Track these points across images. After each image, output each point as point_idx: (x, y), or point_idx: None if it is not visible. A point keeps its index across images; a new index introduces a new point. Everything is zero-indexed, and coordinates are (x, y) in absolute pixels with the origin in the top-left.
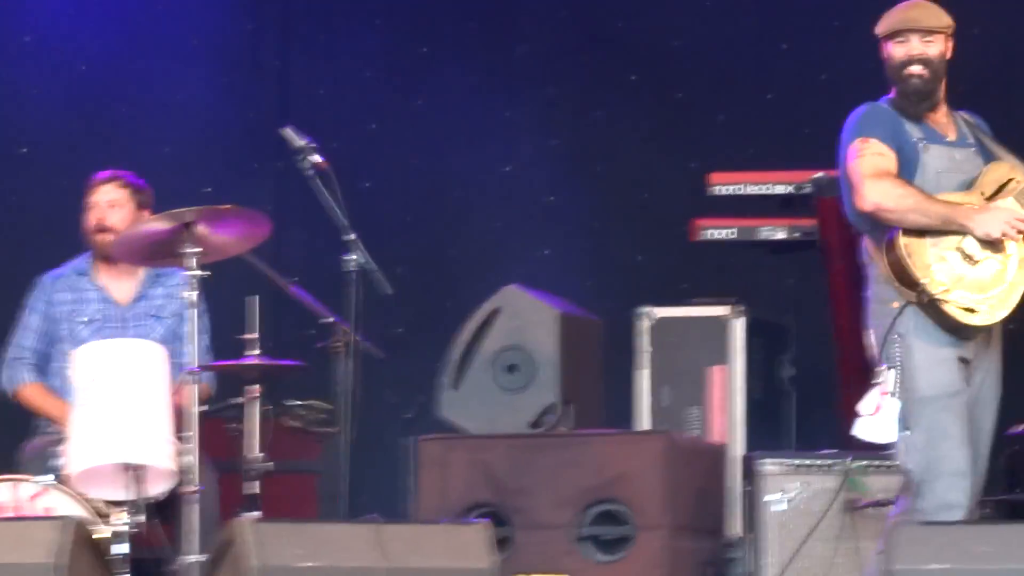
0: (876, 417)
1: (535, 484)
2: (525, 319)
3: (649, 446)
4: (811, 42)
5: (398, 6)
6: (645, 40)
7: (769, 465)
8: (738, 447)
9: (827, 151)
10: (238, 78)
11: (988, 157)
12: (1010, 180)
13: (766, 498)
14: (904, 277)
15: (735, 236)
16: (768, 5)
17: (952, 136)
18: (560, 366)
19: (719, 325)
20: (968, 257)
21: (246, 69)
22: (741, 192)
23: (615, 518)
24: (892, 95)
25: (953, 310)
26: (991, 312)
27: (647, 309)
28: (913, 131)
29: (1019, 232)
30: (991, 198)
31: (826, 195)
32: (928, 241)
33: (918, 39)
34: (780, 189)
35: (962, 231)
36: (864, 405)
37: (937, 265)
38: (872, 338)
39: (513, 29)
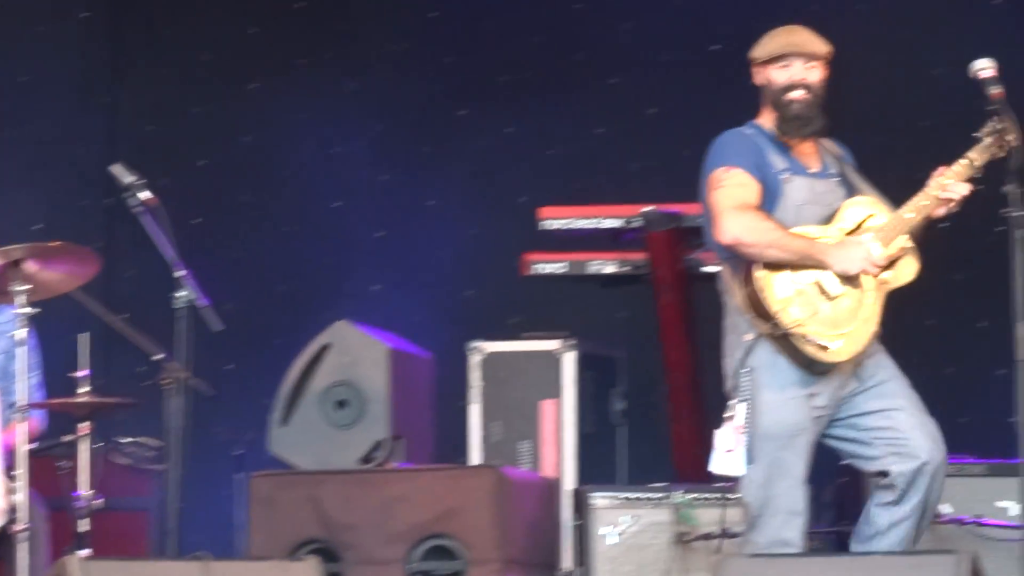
0: (730, 452)
1: (366, 520)
2: (355, 355)
3: (480, 481)
4: (640, 76)
5: (227, 42)
6: (475, 74)
7: (600, 499)
8: (570, 481)
9: (657, 185)
10: (67, 115)
11: (850, 189)
12: (870, 216)
13: (597, 531)
14: (759, 309)
15: (565, 270)
16: (596, 40)
17: (815, 167)
18: (390, 401)
19: (550, 359)
20: (825, 292)
21: (75, 106)
22: (571, 226)
23: (446, 553)
24: (758, 120)
25: (805, 345)
26: (844, 348)
27: (478, 344)
28: (776, 161)
29: (878, 268)
30: (851, 232)
31: (656, 229)
32: (785, 274)
33: (801, 64)
34: (610, 223)
35: (820, 266)
36: (719, 439)
37: (793, 299)
38: (727, 369)
39: (343, 64)
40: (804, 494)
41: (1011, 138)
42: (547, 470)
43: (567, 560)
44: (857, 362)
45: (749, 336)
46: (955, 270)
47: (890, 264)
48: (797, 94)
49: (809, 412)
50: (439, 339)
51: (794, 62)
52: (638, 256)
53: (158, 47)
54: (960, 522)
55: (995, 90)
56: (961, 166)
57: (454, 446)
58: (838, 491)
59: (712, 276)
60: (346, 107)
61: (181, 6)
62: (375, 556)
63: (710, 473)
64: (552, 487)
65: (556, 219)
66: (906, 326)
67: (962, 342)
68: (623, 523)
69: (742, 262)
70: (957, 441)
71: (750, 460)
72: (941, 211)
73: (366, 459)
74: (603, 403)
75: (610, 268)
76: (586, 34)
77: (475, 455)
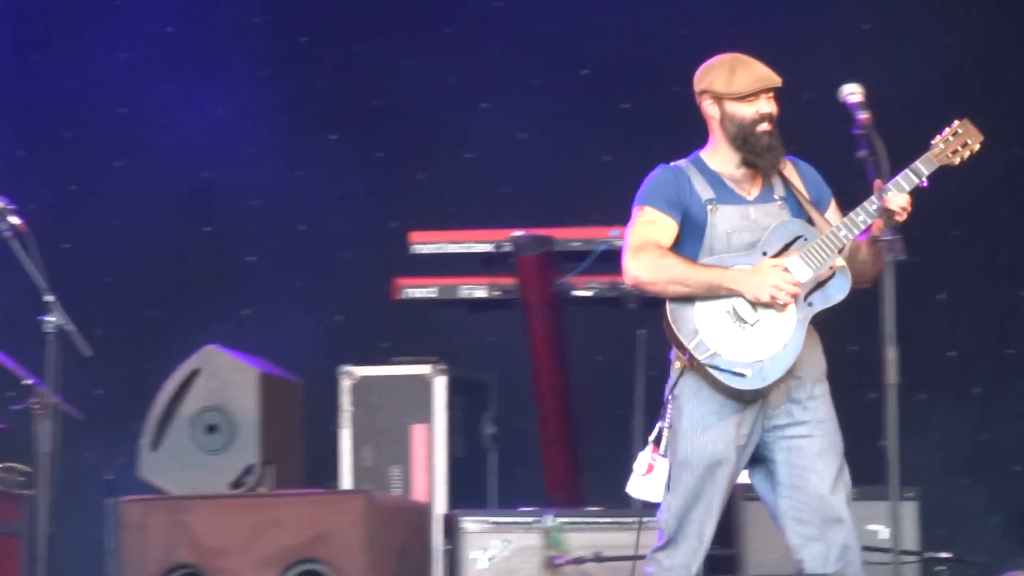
0: (648, 476)
1: (236, 544)
2: (225, 379)
3: (351, 505)
4: (510, 101)
5: (96, 67)
6: (345, 99)
7: (471, 523)
8: (440, 505)
9: (526, 210)
10: None
11: (798, 211)
12: (797, 237)
13: (468, 556)
14: (676, 342)
15: (436, 295)
16: (467, 64)
17: (754, 194)
18: (260, 426)
19: (421, 383)
20: (740, 319)
21: None
22: (441, 251)
23: None
24: (703, 152)
25: (720, 375)
26: (764, 374)
27: (348, 368)
28: (704, 191)
29: (790, 295)
30: (777, 255)
31: (526, 254)
32: (697, 305)
33: (765, 97)
34: (480, 248)
35: (732, 294)
36: (637, 463)
37: (706, 329)
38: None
39: (214, 89)
40: (712, 526)
41: (970, 141)
42: (418, 494)
43: None
44: (787, 390)
45: (678, 364)
46: None
47: (818, 285)
48: (765, 127)
49: (732, 442)
50: (310, 364)
51: (760, 96)
52: (508, 280)
53: (26, 71)
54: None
55: (863, 114)
56: (903, 177)
57: (325, 471)
58: None
59: (582, 300)
60: (217, 131)
61: (53, 30)
62: None
63: (581, 497)
64: (423, 511)
65: (426, 244)
66: None
67: (832, 365)
68: (494, 547)
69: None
70: None
71: (668, 487)
72: (883, 223)
73: (236, 484)
74: (474, 427)
75: (480, 292)
76: (457, 59)
77: (346, 480)
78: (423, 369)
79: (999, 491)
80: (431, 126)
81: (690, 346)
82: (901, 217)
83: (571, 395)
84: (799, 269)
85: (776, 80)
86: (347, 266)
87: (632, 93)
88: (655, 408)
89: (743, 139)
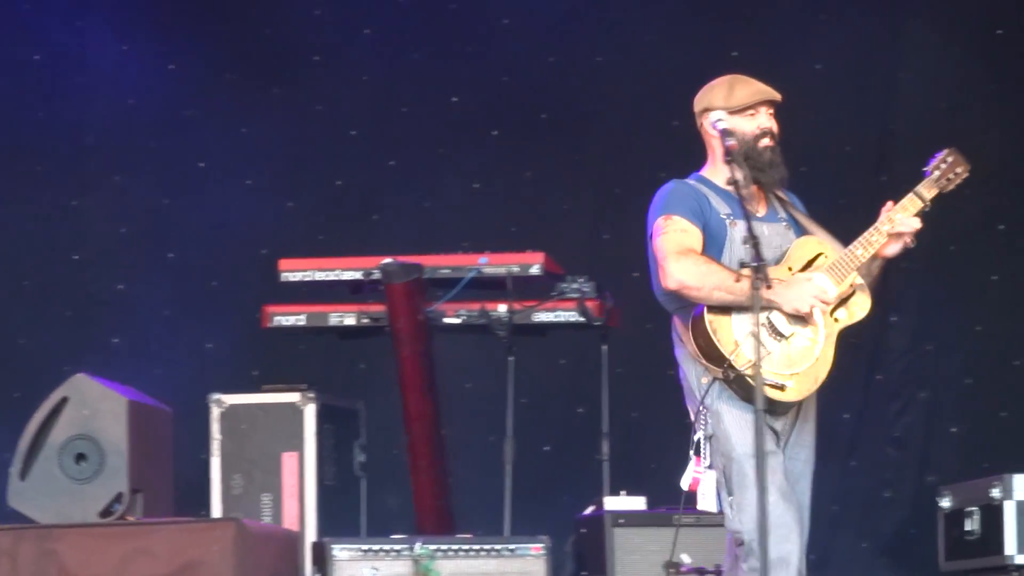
0: (698, 491)
1: (106, 573)
2: (94, 408)
3: (220, 533)
4: (380, 128)
5: None
6: (214, 126)
7: (341, 551)
8: (311, 533)
9: (395, 237)
10: None
11: (800, 232)
12: (819, 255)
13: None
14: (711, 354)
15: (305, 322)
16: (336, 92)
17: (762, 212)
18: (129, 454)
19: (291, 411)
20: (777, 332)
21: None
22: (311, 279)
23: None
24: (702, 172)
25: (761, 386)
26: (799, 388)
27: (218, 396)
28: (720, 206)
29: (827, 305)
30: (801, 271)
31: (395, 281)
32: (735, 317)
33: (765, 111)
34: (349, 275)
35: (769, 306)
36: (683, 480)
37: (744, 341)
38: (691, 416)
39: (81, 118)
40: (792, 508)
41: (959, 171)
42: (288, 522)
43: None
44: (796, 411)
45: (705, 379)
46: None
47: (842, 302)
48: (767, 142)
49: (772, 437)
50: (179, 392)
51: (760, 110)
52: (377, 308)
53: None
54: (701, 571)
55: (731, 141)
56: (909, 200)
57: (195, 499)
58: (578, 542)
59: (452, 328)
60: (84, 160)
61: None
62: None
63: (451, 524)
64: (293, 539)
65: (296, 271)
66: (650, 376)
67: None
68: (364, 575)
69: (691, 309)
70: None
71: (729, 491)
72: (895, 248)
73: (106, 512)
74: (344, 455)
75: (350, 320)
76: (326, 86)
77: (216, 508)
78: (293, 397)
79: (869, 517)
80: (300, 154)
81: (731, 357)
82: (910, 239)
83: (441, 422)
84: (826, 284)
85: (775, 95)
86: (216, 294)
87: (501, 120)
88: (524, 434)
89: (745, 155)
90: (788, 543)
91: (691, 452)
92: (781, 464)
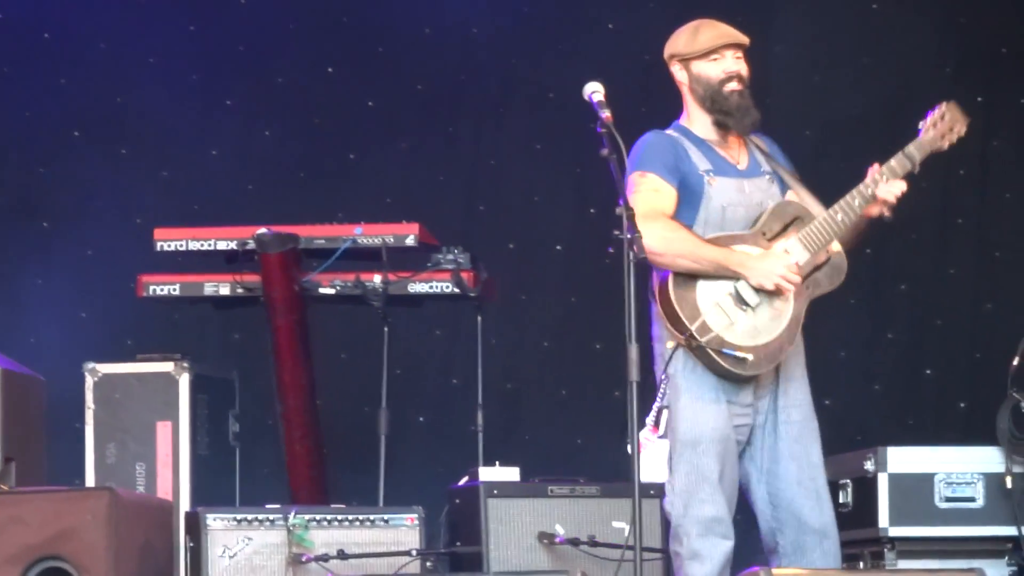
0: (652, 457)
1: None
2: None
3: (94, 502)
4: (253, 99)
5: None
6: (88, 97)
7: (215, 520)
8: (185, 502)
9: (270, 207)
10: None
11: (782, 186)
12: (795, 219)
13: (212, 553)
14: (674, 321)
15: (180, 292)
16: (211, 62)
17: (743, 164)
18: (2, 423)
19: (165, 381)
20: (743, 302)
21: None
22: (186, 248)
23: (60, 575)
24: (681, 121)
25: (722, 358)
26: (761, 361)
27: (92, 365)
28: (700, 161)
29: (793, 284)
30: (775, 237)
31: (270, 251)
32: (701, 284)
33: (732, 55)
34: (223, 245)
35: (737, 276)
36: (630, 445)
37: (709, 310)
38: (655, 375)
39: None
40: (723, 502)
41: (957, 128)
42: (162, 492)
43: None
44: (775, 374)
45: (671, 344)
46: (570, 292)
47: (816, 269)
48: (734, 86)
49: (729, 420)
50: (53, 361)
51: (725, 53)
52: (253, 278)
53: None
54: (575, 542)
55: (605, 113)
56: (896, 161)
57: (69, 468)
58: (451, 512)
59: (327, 298)
60: None
61: None
62: None
63: (326, 495)
64: (167, 509)
65: (171, 241)
66: (525, 347)
67: (578, 363)
68: (238, 544)
69: (660, 270)
70: (574, 462)
71: (671, 468)
72: (878, 211)
73: None
74: (219, 425)
75: (224, 290)
76: (201, 56)
77: (90, 477)
78: (167, 367)
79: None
80: (175, 123)
81: (693, 327)
82: (887, 209)
83: (316, 393)
84: (797, 252)
85: (741, 38)
86: (91, 263)
87: (377, 91)
88: (398, 405)
89: (711, 99)
90: (709, 538)
91: (647, 419)
92: (730, 453)
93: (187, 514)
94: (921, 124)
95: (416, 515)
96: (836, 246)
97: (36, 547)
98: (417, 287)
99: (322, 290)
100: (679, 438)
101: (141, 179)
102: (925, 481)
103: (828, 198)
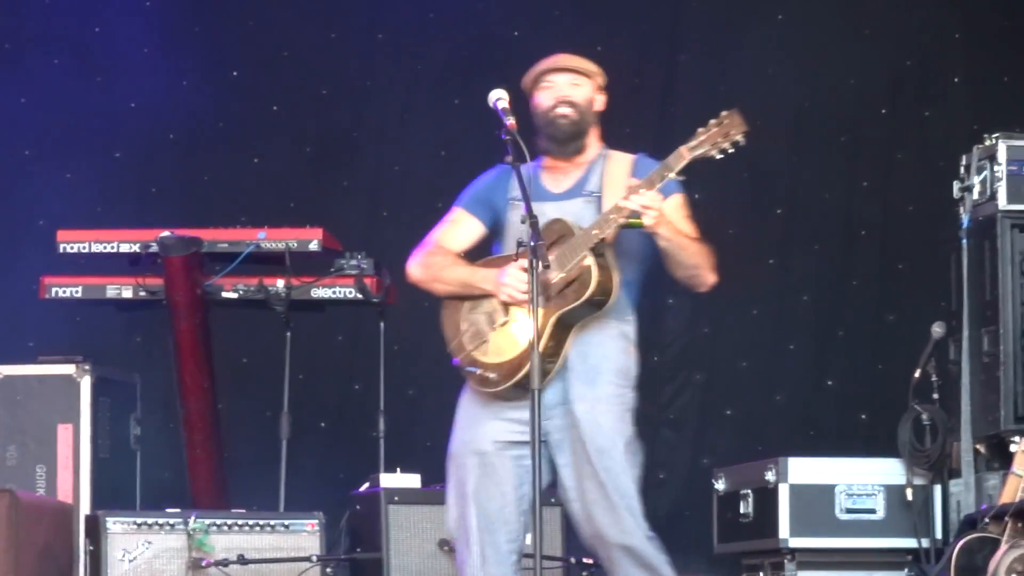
0: None
1: None
2: None
3: None
4: (158, 100)
5: None
6: None
7: (115, 523)
8: (85, 505)
9: (174, 210)
10: None
11: (599, 209)
12: (560, 236)
13: (112, 556)
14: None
15: (82, 294)
16: (116, 63)
17: (562, 188)
18: None
19: (67, 383)
20: (492, 320)
21: None
22: (89, 250)
23: None
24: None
25: (469, 377)
26: (504, 378)
27: None
28: (513, 189)
29: (522, 292)
30: (523, 255)
31: (173, 254)
32: (465, 305)
33: (565, 81)
34: (126, 248)
35: (485, 294)
36: None
37: (466, 330)
38: None
39: None
40: (479, 515)
41: (733, 135)
42: (63, 494)
43: None
44: (563, 390)
45: None
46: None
47: (568, 284)
48: (562, 110)
49: (492, 436)
50: None
51: (556, 80)
52: (155, 281)
53: None
54: None
55: (509, 120)
56: (655, 173)
57: None
58: (352, 518)
59: (229, 302)
60: None
61: None
62: None
63: (226, 499)
64: (67, 511)
65: (74, 242)
66: (427, 354)
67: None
68: (137, 548)
69: None
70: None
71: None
72: (651, 223)
73: None
74: (120, 428)
75: (127, 292)
76: (106, 56)
77: None
78: (69, 369)
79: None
80: (78, 124)
81: (450, 347)
82: (648, 217)
83: (217, 397)
84: (553, 268)
85: (567, 63)
86: None
87: (281, 95)
88: (300, 410)
89: (544, 126)
90: (471, 551)
91: None
92: (491, 466)
93: (87, 517)
94: (701, 128)
95: (317, 521)
96: (588, 260)
97: None
98: (320, 292)
99: (225, 294)
100: (449, 452)
101: (44, 180)
102: (826, 492)
103: (735, 208)
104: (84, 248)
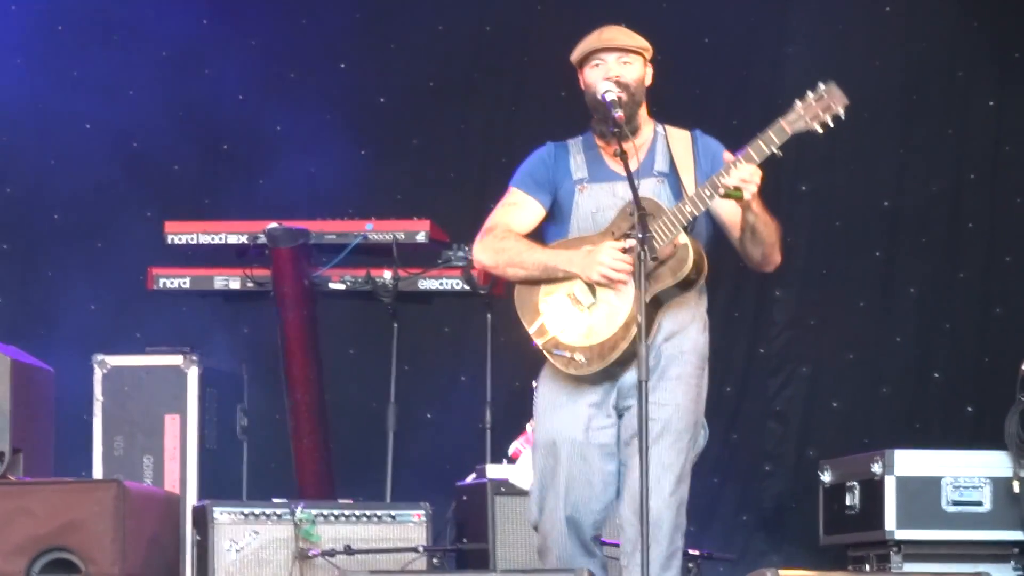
0: (516, 461)
1: None
2: None
3: (101, 495)
4: (265, 93)
5: None
6: (100, 88)
7: (221, 514)
8: (192, 496)
9: (281, 202)
10: None
11: (675, 185)
12: (651, 215)
13: (219, 547)
14: (522, 325)
15: (190, 285)
16: (224, 56)
17: (632, 167)
18: (11, 414)
19: (174, 374)
20: (578, 302)
21: None
22: (196, 242)
23: (67, 566)
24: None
25: (557, 360)
26: (594, 360)
27: (101, 357)
28: (577, 170)
29: (622, 272)
30: (622, 237)
31: (280, 246)
32: (541, 288)
33: (615, 60)
34: (234, 239)
35: (568, 277)
36: (511, 448)
37: (548, 313)
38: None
39: None
40: (566, 506)
41: (834, 108)
42: (170, 485)
43: (188, 575)
44: (629, 367)
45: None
46: None
47: (661, 263)
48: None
49: (579, 422)
50: (63, 352)
51: (605, 58)
52: (263, 272)
53: None
54: None
55: (618, 113)
56: (753, 147)
57: (77, 460)
58: (459, 509)
59: (336, 293)
60: None
61: None
62: None
63: (332, 490)
64: (174, 502)
65: (181, 234)
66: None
67: None
68: (245, 539)
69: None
70: None
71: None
72: (749, 197)
73: None
74: (227, 418)
75: (234, 284)
76: (213, 50)
77: (97, 469)
78: (176, 359)
79: (749, 490)
80: (188, 116)
81: (531, 331)
82: (746, 191)
83: (324, 388)
84: (613, 253)
85: (618, 41)
86: (101, 255)
87: (388, 87)
88: (407, 401)
89: (593, 108)
90: (557, 548)
91: (528, 425)
92: (580, 456)
93: (194, 508)
94: (799, 101)
95: (423, 511)
96: (683, 239)
97: (43, 538)
98: (427, 284)
99: (332, 285)
100: (535, 444)
101: (152, 172)
102: (932, 484)
103: (841, 200)
104: (192, 239)
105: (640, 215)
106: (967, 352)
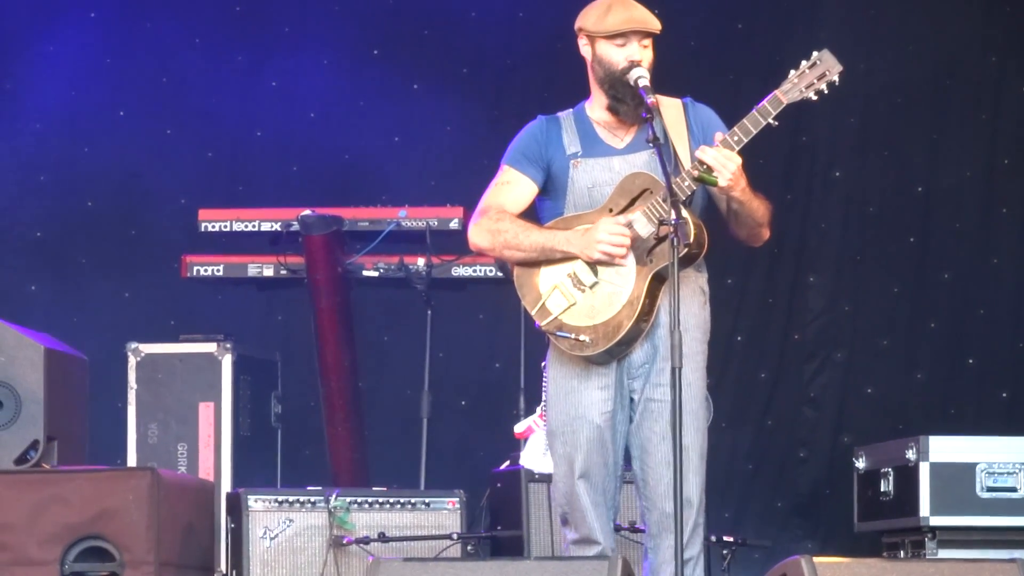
0: (528, 445)
1: (20, 520)
2: (10, 355)
3: (136, 482)
4: (298, 80)
5: None
6: (133, 75)
7: (256, 501)
8: (226, 483)
9: (315, 189)
10: None
11: (670, 159)
12: (644, 191)
13: (253, 534)
14: (525, 306)
15: (223, 273)
16: (256, 43)
17: (625, 143)
18: (45, 402)
19: (208, 361)
20: (580, 282)
21: None
22: (230, 229)
23: (102, 554)
24: (587, 101)
25: (561, 341)
26: (600, 340)
27: (135, 345)
28: (571, 145)
29: (622, 247)
30: (622, 212)
31: (313, 233)
32: (542, 269)
33: (638, 42)
34: (267, 226)
35: (568, 257)
36: (517, 425)
37: (549, 293)
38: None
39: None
40: (592, 488)
41: (828, 76)
42: (204, 472)
43: (223, 562)
44: (652, 350)
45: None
46: None
47: (661, 240)
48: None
49: (594, 406)
50: (96, 340)
51: (632, 39)
52: (296, 259)
53: None
54: (616, 528)
55: (651, 99)
56: (750, 119)
57: (111, 447)
58: (493, 496)
59: (370, 280)
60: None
61: None
62: (30, 557)
63: (366, 477)
64: (209, 489)
65: (215, 221)
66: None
67: None
68: (279, 526)
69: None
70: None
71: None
72: (724, 184)
73: (20, 460)
74: (261, 406)
75: (268, 271)
76: (247, 38)
77: (131, 457)
78: (210, 347)
79: (784, 476)
80: (220, 103)
81: (533, 312)
82: (720, 177)
83: (357, 375)
84: (641, 225)
85: (651, 25)
86: (135, 243)
87: (422, 74)
88: (441, 388)
89: (610, 84)
90: (584, 526)
91: (540, 407)
92: (598, 439)
93: (228, 495)
94: (790, 73)
95: (457, 499)
96: (684, 213)
97: (78, 526)
98: (461, 271)
99: (365, 272)
100: (550, 428)
101: (186, 160)
102: (967, 470)
103: (875, 186)
104: (225, 227)
105: (674, 201)
106: (1002, 337)
